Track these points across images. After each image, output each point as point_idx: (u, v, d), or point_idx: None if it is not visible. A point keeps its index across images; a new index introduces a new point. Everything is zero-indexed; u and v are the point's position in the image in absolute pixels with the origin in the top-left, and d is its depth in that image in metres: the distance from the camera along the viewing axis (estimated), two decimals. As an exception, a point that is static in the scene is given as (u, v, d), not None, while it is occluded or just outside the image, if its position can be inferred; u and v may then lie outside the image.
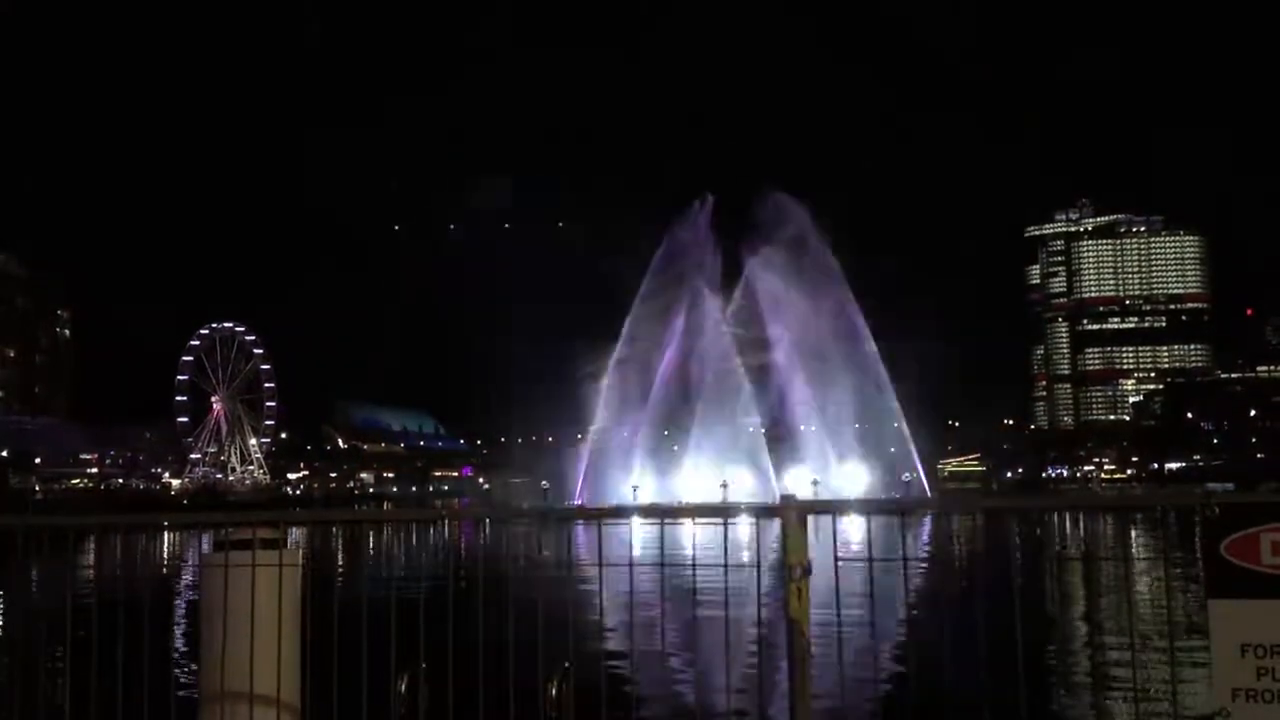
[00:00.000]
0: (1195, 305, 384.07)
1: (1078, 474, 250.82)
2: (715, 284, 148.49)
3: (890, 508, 17.81)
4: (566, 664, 7.00)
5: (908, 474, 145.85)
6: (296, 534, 8.61)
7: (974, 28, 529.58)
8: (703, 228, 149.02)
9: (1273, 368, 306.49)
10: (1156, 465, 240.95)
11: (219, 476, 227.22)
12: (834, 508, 6.96)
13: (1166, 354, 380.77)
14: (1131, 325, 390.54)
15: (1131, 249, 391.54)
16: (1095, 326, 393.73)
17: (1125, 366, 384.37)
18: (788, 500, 6.20)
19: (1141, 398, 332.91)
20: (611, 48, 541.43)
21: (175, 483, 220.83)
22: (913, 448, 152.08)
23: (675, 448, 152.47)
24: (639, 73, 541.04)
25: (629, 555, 7.23)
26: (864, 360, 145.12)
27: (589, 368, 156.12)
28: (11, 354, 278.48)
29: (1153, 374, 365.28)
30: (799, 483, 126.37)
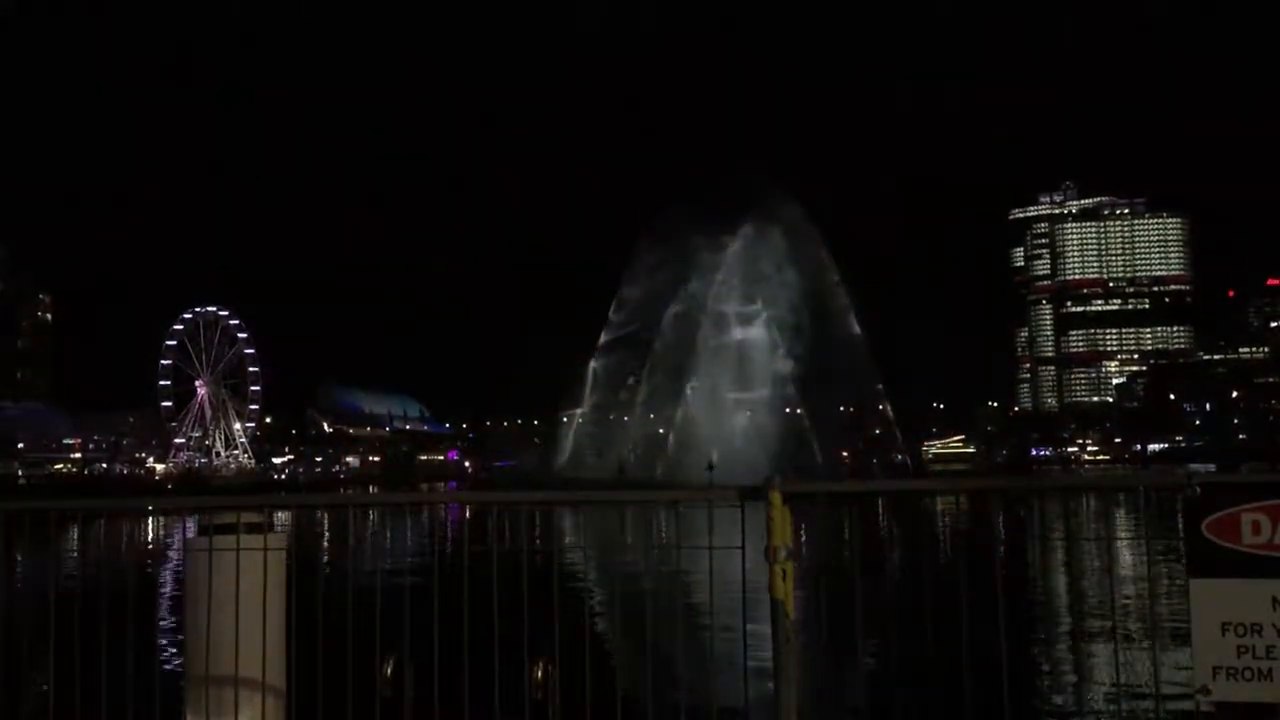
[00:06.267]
0: (1178, 288, 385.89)
1: (1061, 455, 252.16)
2: (701, 267, 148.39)
3: (875, 489, 17.90)
4: (552, 645, 7.02)
5: (899, 455, 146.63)
6: (282, 518, 8.59)
7: (961, 11, 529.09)
8: (690, 211, 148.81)
9: (1254, 349, 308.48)
10: (1139, 446, 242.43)
11: (203, 461, 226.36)
12: (818, 490, 6.98)
13: (1149, 336, 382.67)
14: (1115, 307, 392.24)
15: (1115, 232, 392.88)
16: (1079, 309, 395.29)
17: (1108, 348, 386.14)
18: (772, 482, 6.20)
19: (1124, 379, 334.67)
20: (608, 35, 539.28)
21: (159, 467, 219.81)
22: (897, 430, 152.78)
23: (661, 430, 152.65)
24: (633, 53, 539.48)
25: (614, 538, 7.24)
26: (850, 343, 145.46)
27: (576, 352, 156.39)
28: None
29: (1135, 356, 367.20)
30: (784, 464, 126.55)
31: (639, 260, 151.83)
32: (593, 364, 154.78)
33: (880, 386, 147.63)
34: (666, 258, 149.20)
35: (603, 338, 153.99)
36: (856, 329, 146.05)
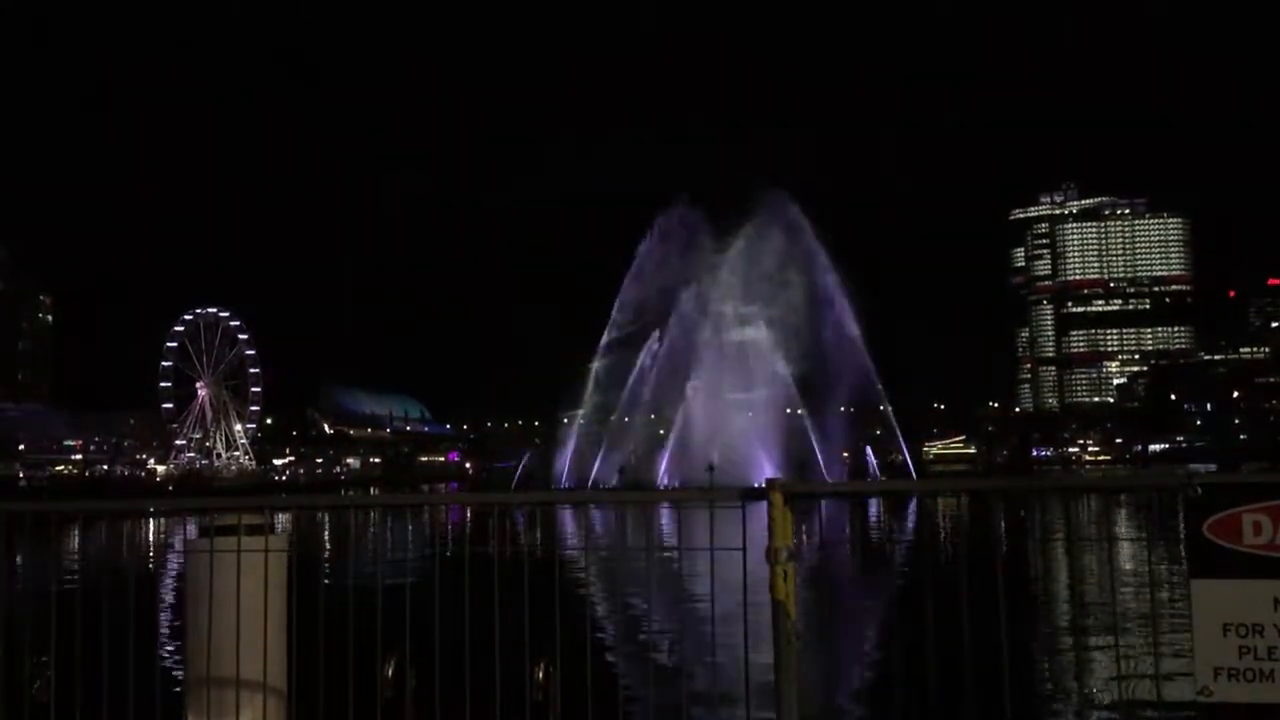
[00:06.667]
0: (1178, 288, 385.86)
1: (1062, 455, 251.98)
2: (702, 268, 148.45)
3: (876, 490, 17.92)
4: (553, 647, 7.02)
5: (898, 456, 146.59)
6: (282, 519, 8.58)
7: (961, 11, 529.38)
8: (691, 212, 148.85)
9: (1255, 349, 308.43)
10: (1140, 447, 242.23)
11: (204, 462, 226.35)
12: (820, 490, 6.97)
13: (1150, 336, 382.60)
14: (1115, 308, 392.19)
15: (1115, 232, 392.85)
16: (1079, 309, 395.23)
17: (1109, 349, 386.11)
18: (773, 483, 6.20)
19: (1125, 380, 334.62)
20: (609, 40, 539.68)
21: (160, 469, 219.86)
22: (898, 431, 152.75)
23: (661, 431, 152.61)
24: (634, 54, 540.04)
25: (614, 539, 7.24)
26: (850, 343, 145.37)
27: (576, 352, 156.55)
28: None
29: (1136, 356, 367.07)
30: (785, 465, 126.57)
31: (640, 261, 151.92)
32: (594, 365, 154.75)
33: (880, 387, 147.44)
34: (668, 259, 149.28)
35: (604, 338, 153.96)
36: (857, 329, 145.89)
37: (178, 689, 7.77)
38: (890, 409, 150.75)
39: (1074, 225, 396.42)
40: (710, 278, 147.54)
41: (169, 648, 12.28)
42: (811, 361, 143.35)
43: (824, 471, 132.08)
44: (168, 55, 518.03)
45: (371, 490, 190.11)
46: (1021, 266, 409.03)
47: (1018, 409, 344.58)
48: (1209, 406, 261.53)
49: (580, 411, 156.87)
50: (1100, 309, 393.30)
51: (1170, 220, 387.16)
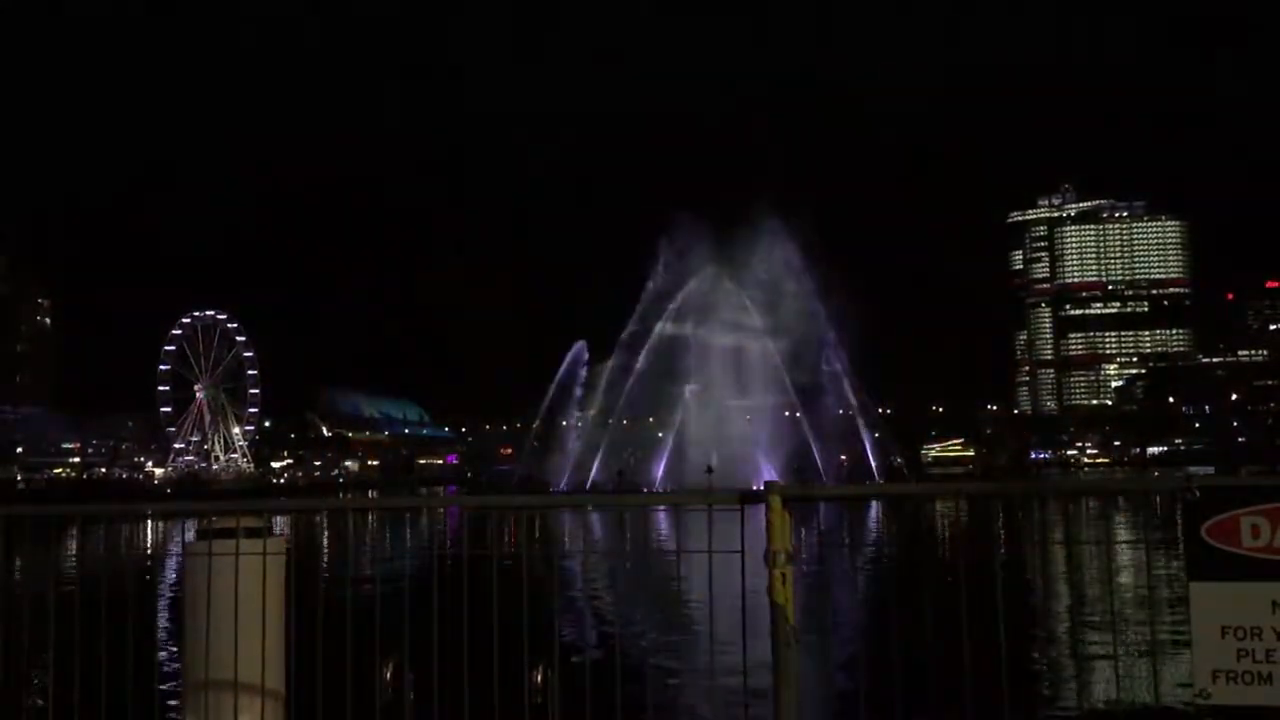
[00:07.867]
0: (1177, 290, 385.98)
1: (1060, 458, 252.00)
2: (702, 272, 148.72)
3: (873, 493, 17.94)
4: (551, 650, 7.01)
5: (896, 459, 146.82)
6: (281, 522, 8.58)
7: (960, 12, 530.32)
8: (690, 216, 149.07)
9: (1253, 352, 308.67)
10: (1139, 449, 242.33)
11: (203, 465, 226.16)
12: (818, 494, 6.98)
13: (1148, 339, 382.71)
14: (1114, 310, 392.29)
15: (1114, 234, 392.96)
16: (1078, 312, 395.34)
17: (1108, 351, 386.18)
18: (772, 486, 6.20)
19: (1124, 382, 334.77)
20: (612, 54, 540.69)
21: (159, 472, 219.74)
22: (892, 434, 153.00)
23: (660, 434, 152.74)
24: (638, 79, 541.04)
25: (615, 542, 7.23)
26: (849, 345, 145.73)
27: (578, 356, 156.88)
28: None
29: (1135, 359, 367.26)
30: (782, 468, 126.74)
31: (645, 266, 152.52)
32: (597, 368, 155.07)
33: (879, 389, 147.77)
34: (669, 263, 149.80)
35: (615, 339, 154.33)
36: (855, 332, 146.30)
37: (176, 693, 7.76)
38: (889, 411, 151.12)
39: (1072, 228, 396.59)
40: (709, 283, 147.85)
41: (167, 651, 12.28)
42: (811, 364, 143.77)
43: (822, 474, 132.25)
44: (166, 55, 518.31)
45: (370, 493, 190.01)
46: (1020, 269, 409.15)
47: (1016, 411, 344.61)
48: (1207, 409, 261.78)
49: (579, 414, 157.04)
50: (1098, 311, 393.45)
51: (1168, 223, 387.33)
